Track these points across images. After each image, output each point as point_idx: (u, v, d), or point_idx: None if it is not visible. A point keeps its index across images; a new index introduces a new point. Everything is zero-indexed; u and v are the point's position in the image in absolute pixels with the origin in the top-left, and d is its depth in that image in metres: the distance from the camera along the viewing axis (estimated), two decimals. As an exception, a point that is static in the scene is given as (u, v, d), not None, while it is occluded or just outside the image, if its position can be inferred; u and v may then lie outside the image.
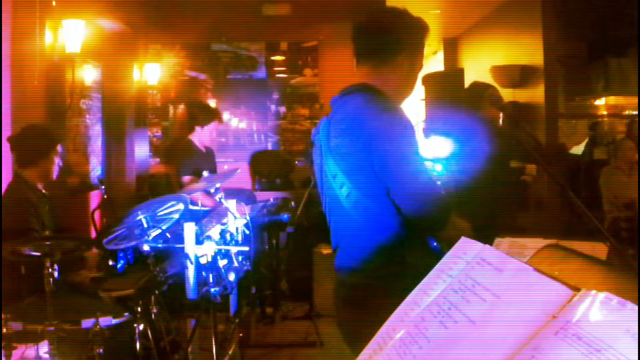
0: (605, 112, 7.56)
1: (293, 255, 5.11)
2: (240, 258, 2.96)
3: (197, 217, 3.03)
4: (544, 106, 6.09)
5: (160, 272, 2.87)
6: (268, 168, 6.47)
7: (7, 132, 3.88)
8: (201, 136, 4.67)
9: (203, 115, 4.70)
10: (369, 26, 1.99)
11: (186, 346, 3.23)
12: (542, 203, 5.68)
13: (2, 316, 2.40)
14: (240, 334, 3.60)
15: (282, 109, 7.21)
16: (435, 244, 1.83)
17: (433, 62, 8.82)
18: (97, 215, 4.56)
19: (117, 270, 3.06)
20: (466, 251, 0.88)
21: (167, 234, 2.83)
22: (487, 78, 6.00)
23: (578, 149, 6.97)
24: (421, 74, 2.12)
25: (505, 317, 0.77)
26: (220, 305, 2.91)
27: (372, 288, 1.84)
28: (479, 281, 0.83)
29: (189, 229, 2.66)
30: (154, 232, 2.80)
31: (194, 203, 3.29)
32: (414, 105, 6.02)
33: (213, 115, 4.74)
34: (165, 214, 2.93)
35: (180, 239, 2.70)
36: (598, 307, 0.70)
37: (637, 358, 0.64)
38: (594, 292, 0.72)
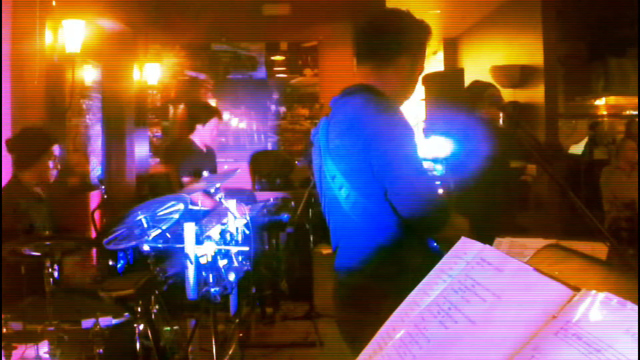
0: (605, 112, 7.56)
1: (293, 255, 5.12)
2: (240, 258, 2.96)
3: (197, 217, 3.03)
4: (544, 106, 6.09)
5: (160, 272, 2.87)
6: (268, 168, 6.47)
7: (7, 132, 3.88)
8: (202, 135, 4.67)
9: (203, 113, 4.69)
10: (371, 27, 1.99)
11: (186, 346, 3.23)
12: (542, 203, 5.68)
13: (2, 316, 2.40)
14: (240, 334, 3.60)
15: (282, 109, 7.21)
16: (435, 244, 1.83)
17: (433, 62, 8.83)
18: (97, 215, 4.56)
19: (117, 270, 3.07)
20: (466, 251, 0.88)
21: (167, 234, 2.83)
22: (487, 78, 6.00)
23: (578, 149, 6.97)
24: (421, 75, 2.12)
25: (505, 317, 0.77)
26: (220, 305, 2.91)
27: (372, 288, 1.84)
28: (479, 281, 0.83)
29: (189, 229, 2.66)
30: (154, 232, 2.80)
31: (194, 203, 3.29)
32: (414, 106, 6.02)
33: (213, 113, 4.74)
34: (165, 214, 2.93)
35: (180, 239, 2.70)
36: (598, 307, 0.70)
37: (637, 358, 0.64)
38: (594, 292, 0.72)
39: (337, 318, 2.03)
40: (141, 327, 2.70)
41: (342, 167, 1.87)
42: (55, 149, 3.43)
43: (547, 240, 1.37)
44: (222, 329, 3.49)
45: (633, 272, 1.11)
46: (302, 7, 6.79)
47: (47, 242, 2.49)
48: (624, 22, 6.38)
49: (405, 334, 0.84)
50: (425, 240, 1.85)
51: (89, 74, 5.66)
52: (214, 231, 2.83)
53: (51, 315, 2.33)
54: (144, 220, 2.79)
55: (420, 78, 2.07)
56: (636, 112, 7.09)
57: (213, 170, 4.60)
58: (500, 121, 3.90)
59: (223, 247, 2.81)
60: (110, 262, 3.35)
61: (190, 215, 3.03)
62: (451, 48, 8.95)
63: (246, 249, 2.96)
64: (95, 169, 5.85)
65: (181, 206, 2.98)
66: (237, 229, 3.05)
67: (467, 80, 4.43)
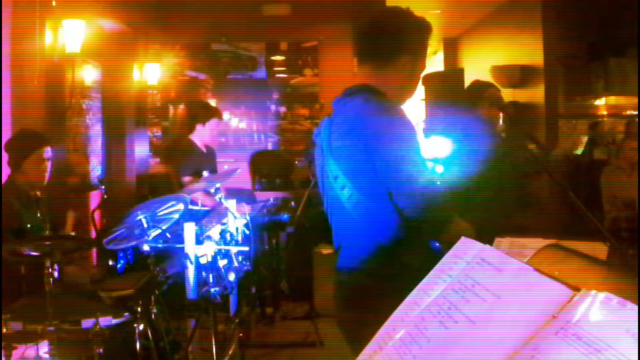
0: (605, 112, 7.56)
1: (293, 255, 5.11)
2: (240, 258, 2.96)
3: (197, 217, 3.03)
4: (544, 106, 6.10)
5: (160, 272, 2.87)
6: (268, 168, 6.47)
7: (7, 132, 3.88)
8: (202, 135, 4.66)
9: (203, 113, 4.69)
10: (372, 27, 1.99)
11: (186, 346, 3.23)
12: (542, 203, 5.67)
13: (2, 316, 2.40)
14: (240, 334, 3.59)
15: (282, 109, 7.21)
16: (437, 244, 1.82)
17: (433, 62, 8.83)
18: (97, 215, 4.57)
19: (117, 270, 3.07)
20: (466, 251, 0.88)
21: (167, 234, 2.83)
22: (487, 78, 6.00)
23: (578, 149, 6.97)
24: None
25: (505, 317, 0.77)
26: (220, 305, 2.91)
27: (373, 288, 1.84)
28: (479, 281, 0.83)
29: (189, 229, 2.66)
30: (154, 232, 2.80)
31: (194, 203, 3.29)
32: (414, 106, 6.02)
33: (213, 113, 4.73)
34: (165, 214, 2.93)
35: (180, 239, 2.70)
36: (598, 307, 0.70)
37: (637, 358, 0.64)
38: (594, 292, 0.72)
39: (337, 318, 2.03)
40: (141, 327, 2.70)
41: (344, 168, 1.87)
42: (47, 150, 3.38)
43: (547, 240, 1.37)
44: (222, 329, 3.49)
45: (633, 272, 1.10)
46: (302, 7, 6.79)
47: (47, 242, 2.50)
48: (624, 22, 6.37)
49: (405, 334, 0.84)
50: (427, 241, 1.84)
51: (89, 74, 5.66)
52: (214, 231, 2.84)
53: (51, 315, 2.33)
54: (144, 220, 2.79)
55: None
56: (636, 112, 7.09)
57: (213, 170, 4.59)
58: (501, 121, 3.89)
59: (223, 247, 2.82)
60: (110, 262, 3.35)
61: (190, 215, 3.03)
62: (451, 48, 8.96)
63: (246, 249, 2.96)
64: (95, 169, 5.86)
65: (181, 206, 2.98)
66: (237, 229, 3.05)
67: (467, 80, 4.43)
